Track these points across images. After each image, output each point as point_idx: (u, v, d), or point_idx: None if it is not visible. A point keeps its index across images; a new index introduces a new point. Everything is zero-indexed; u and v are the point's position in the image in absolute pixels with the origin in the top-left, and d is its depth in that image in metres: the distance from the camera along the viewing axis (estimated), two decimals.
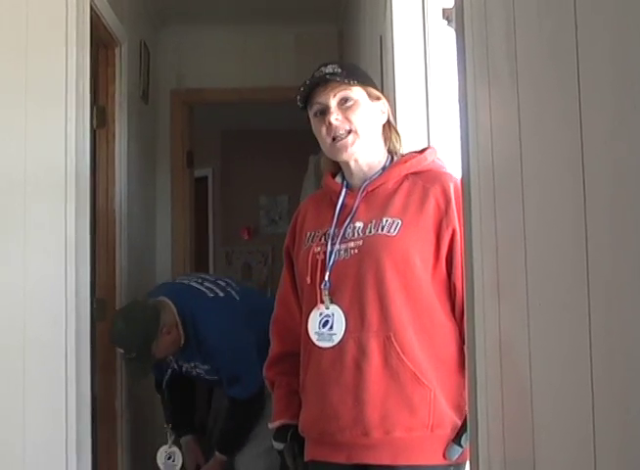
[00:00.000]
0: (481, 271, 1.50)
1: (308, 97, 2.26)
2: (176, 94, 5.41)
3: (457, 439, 2.13)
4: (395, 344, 2.11)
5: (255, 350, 3.35)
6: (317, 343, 2.19)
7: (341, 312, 2.17)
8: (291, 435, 2.36)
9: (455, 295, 2.16)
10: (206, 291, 3.57)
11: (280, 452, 2.46)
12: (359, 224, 2.21)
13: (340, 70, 2.25)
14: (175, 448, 3.76)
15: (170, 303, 3.46)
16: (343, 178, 2.33)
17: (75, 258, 2.93)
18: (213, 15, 5.23)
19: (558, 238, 1.04)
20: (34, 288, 2.86)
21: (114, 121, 4.10)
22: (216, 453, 3.71)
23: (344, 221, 2.23)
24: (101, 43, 3.98)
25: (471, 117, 1.55)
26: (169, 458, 3.76)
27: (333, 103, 2.22)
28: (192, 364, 3.58)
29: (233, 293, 3.62)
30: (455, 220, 2.12)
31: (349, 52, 4.94)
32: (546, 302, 1.10)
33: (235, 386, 3.52)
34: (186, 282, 3.69)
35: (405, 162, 2.27)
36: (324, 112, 2.23)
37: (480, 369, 1.54)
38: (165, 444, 3.77)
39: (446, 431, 2.13)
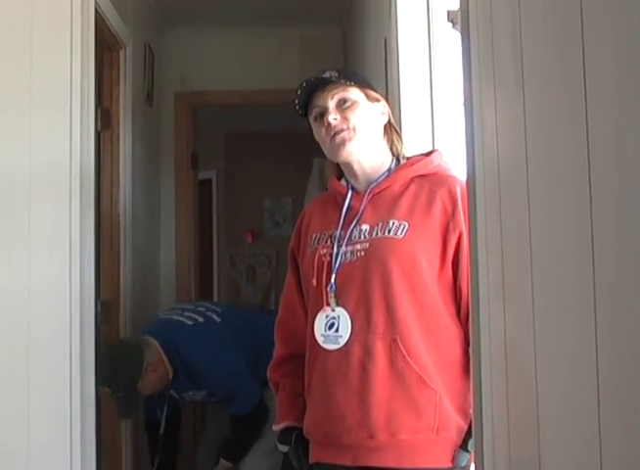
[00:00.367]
0: (487, 273, 1.49)
1: (307, 103, 2.27)
2: (180, 96, 5.42)
3: (464, 444, 2.12)
4: (401, 346, 2.11)
5: (245, 364, 3.50)
6: (323, 345, 2.19)
7: (347, 315, 2.17)
8: (295, 437, 2.36)
9: (461, 298, 2.16)
10: (186, 320, 3.64)
11: (285, 454, 2.46)
12: (365, 227, 2.21)
13: (337, 74, 2.25)
14: None
15: (153, 340, 3.53)
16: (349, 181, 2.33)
17: (80, 260, 2.93)
18: (218, 17, 5.24)
19: (563, 239, 1.04)
20: (39, 290, 2.86)
21: (118, 124, 4.11)
22: (222, 460, 3.73)
23: (351, 224, 2.23)
24: (105, 45, 3.98)
25: (476, 120, 1.55)
26: None
27: (331, 104, 2.23)
28: (190, 393, 3.67)
29: (214, 316, 3.69)
30: (462, 223, 2.11)
31: (354, 54, 4.94)
32: (552, 303, 1.10)
33: (232, 404, 3.61)
34: (167, 317, 3.76)
35: (412, 164, 2.28)
36: (323, 114, 2.24)
37: (486, 371, 1.53)
38: None
39: (451, 434, 2.13)
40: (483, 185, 1.51)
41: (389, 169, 2.29)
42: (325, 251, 2.24)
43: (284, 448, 2.41)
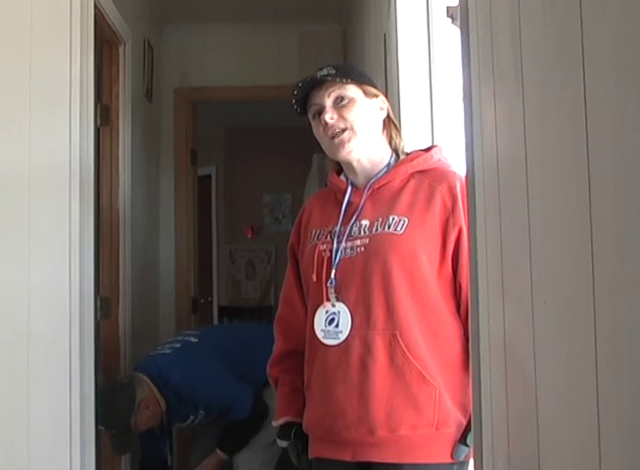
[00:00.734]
0: (486, 268, 1.50)
1: (305, 100, 2.27)
2: (180, 92, 5.41)
3: (463, 438, 2.13)
4: (401, 342, 2.11)
5: (231, 372, 3.62)
6: (323, 340, 2.19)
7: (347, 310, 2.17)
8: (294, 432, 2.36)
9: (460, 293, 2.16)
10: (166, 350, 3.76)
11: (284, 450, 2.47)
12: (365, 222, 2.21)
13: (334, 72, 2.24)
14: None
15: (143, 375, 3.62)
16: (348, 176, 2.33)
17: (79, 257, 2.93)
18: (217, 13, 5.24)
19: (562, 235, 1.04)
20: (38, 286, 2.86)
21: (117, 120, 4.11)
22: (217, 451, 3.76)
23: (350, 219, 2.23)
24: (105, 41, 3.98)
25: (475, 116, 1.55)
26: None
27: (328, 102, 2.22)
28: (191, 418, 3.72)
29: (191, 338, 3.84)
30: (462, 219, 2.11)
31: (353, 51, 4.94)
32: (551, 300, 1.10)
33: (231, 414, 3.69)
34: (153, 353, 3.84)
35: (411, 160, 2.27)
36: (321, 112, 2.24)
37: (485, 367, 1.54)
38: None
39: (451, 429, 2.13)
40: (483, 181, 1.51)
41: (389, 165, 2.29)
42: (325, 246, 2.24)
43: (283, 444, 2.41)
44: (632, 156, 0.79)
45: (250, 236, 8.55)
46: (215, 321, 8.15)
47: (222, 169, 8.44)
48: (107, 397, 3.43)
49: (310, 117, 2.29)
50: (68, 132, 2.93)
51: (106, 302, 3.91)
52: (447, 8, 2.75)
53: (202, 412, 3.66)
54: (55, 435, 2.85)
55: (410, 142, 2.48)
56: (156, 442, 3.80)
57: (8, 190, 2.86)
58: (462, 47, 1.64)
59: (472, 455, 1.99)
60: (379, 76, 3.29)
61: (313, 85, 2.24)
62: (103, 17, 3.57)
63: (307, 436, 2.32)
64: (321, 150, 2.34)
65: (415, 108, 2.92)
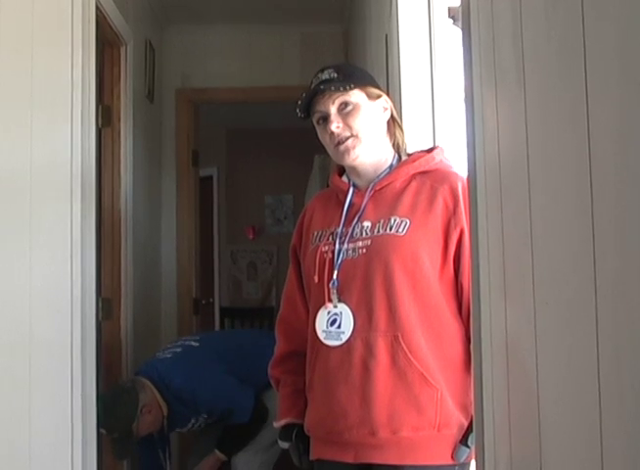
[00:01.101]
0: (488, 270, 1.49)
1: (309, 106, 2.27)
2: (181, 93, 5.42)
3: (464, 439, 2.13)
4: (403, 344, 2.11)
5: (231, 375, 3.64)
6: (325, 341, 2.19)
7: (349, 311, 2.17)
8: (296, 434, 2.36)
9: (462, 295, 2.16)
10: (167, 355, 3.78)
11: (285, 451, 2.47)
12: (367, 224, 2.21)
13: (336, 75, 2.24)
14: None
15: (145, 379, 3.63)
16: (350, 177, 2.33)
17: (81, 257, 2.93)
18: (219, 14, 5.24)
19: (564, 236, 1.04)
20: (40, 287, 2.86)
21: (119, 121, 4.11)
22: (216, 452, 3.77)
23: (352, 220, 2.23)
24: (106, 42, 3.99)
25: (477, 116, 1.55)
26: None
27: (332, 110, 2.22)
28: (193, 421, 3.74)
29: (192, 343, 3.86)
30: (463, 220, 2.11)
31: (355, 51, 4.94)
32: (553, 300, 1.10)
33: (233, 416, 3.70)
34: (154, 358, 3.86)
35: (413, 161, 2.27)
36: (325, 118, 2.24)
37: (487, 368, 1.53)
38: None
39: (453, 431, 2.13)
40: (484, 181, 1.51)
41: (391, 166, 2.29)
42: (327, 248, 2.24)
43: (285, 445, 2.42)
44: (634, 155, 0.79)
45: (251, 237, 8.56)
46: (217, 322, 8.15)
47: (224, 170, 8.44)
48: (109, 401, 3.44)
49: (314, 121, 2.29)
50: (69, 133, 2.93)
51: (107, 303, 3.91)
52: (449, 9, 2.75)
53: (203, 415, 3.66)
54: (56, 436, 2.85)
55: (412, 143, 2.48)
56: (153, 448, 3.80)
57: (9, 191, 2.87)
58: (463, 48, 1.64)
59: (473, 457, 1.99)
60: (380, 77, 3.29)
61: (315, 93, 2.24)
62: (104, 18, 3.57)
63: (309, 437, 2.32)
64: (322, 151, 2.35)
65: (417, 108, 2.92)
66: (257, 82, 5.36)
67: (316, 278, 2.23)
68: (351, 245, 2.20)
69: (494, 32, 1.41)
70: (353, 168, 2.29)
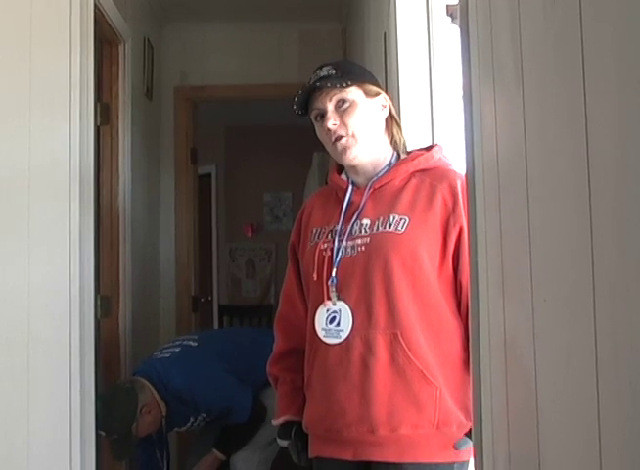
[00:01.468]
0: (486, 267, 1.50)
1: (307, 103, 2.26)
2: (180, 91, 5.42)
3: (469, 432, 2.12)
4: (402, 341, 2.11)
5: (230, 375, 3.63)
6: (324, 339, 2.19)
7: (348, 309, 2.17)
8: (294, 431, 2.36)
9: (461, 292, 2.16)
10: (165, 355, 3.77)
11: (282, 450, 2.47)
12: (366, 221, 2.21)
13: (334, 72, 2.24)
14: None
15: (144, 379, 3.62)
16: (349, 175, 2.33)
17: (80, 255, 2.93)
18: (217, 11, 5.24)
19: (562, 234, 1.04)
20: (38, 285, 2.86)
21: (117, 118, 4.11)
22: (214, 451, 3.77)
23: (351, 218, 2.23)
24: (105, 40, 3.98)
25: (475, 114, 1.55)
26: None
27: (329, 107, 2.22)
28: (191, 420, 3.73)
29: (190, 342, 3.85)
30: (462, 218, 2.11)
31: (353, 49, 4.94)
32: (551, 297, 1.10)
33: (231, 416, 3.69)
34: (152, 358, 3.85)
35: (412, 159, 2.27)
36: (323, 115, 2.24)
37: (485, 365, 1.54)
38: None
39: (452, 428, 2.13)
40: (483, 179, 1.51)
41: (390, 164, 2.29)
42: (326, 245, 2.24)
43: (283, 443, 2.41)
44: (632, 153, 0.79)
45: (250, 235, 8.56)
46: (216, 320, 8.15)
47: (222, 168, 8.44)
48: (109, 402, 3.43)
49: (312, 118, 2.29)
50: (67, 131, 2.93)
51: (106, 300, 3.91)
52: (447, 6, 2.76)
53: (202, 415, 3.66)
54: (55, 434, 2.85)
55: (410, 141, 2.48)
56: (152, 448, 3.79)
57: (8, 189, 2.86)
58: (462, 45, 1.64)
59: (472, 454, 1.99)
60: (379, 75, 3.29)
61: (313, 89, 2.24)
62: (103, 16, 3.57)
63: (307, 435, 2.33)
64: (321, 148, 2.35)
65: (415, 106, 2.92)
66: (256, 80, 5.35)
67: (315, 276, 2.23)
68: (350, 242, 2.20)
69: (492, 30, 1.41)
70: (352, 167, 2.29)
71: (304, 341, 2.30)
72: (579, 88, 0.93)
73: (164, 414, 3.60)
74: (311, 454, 2.32)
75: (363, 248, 2.18)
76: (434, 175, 2.24)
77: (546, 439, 1.15)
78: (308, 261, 2.28)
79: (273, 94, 5.39)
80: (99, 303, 3.65)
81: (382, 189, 2.25)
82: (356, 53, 4.72)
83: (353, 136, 2.21)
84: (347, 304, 2.17)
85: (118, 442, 3.52)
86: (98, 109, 3.73)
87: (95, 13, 3.24)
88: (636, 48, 0.78)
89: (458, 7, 1.72)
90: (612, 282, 0.87)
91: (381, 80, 3.12)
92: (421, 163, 2.27)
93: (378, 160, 2.28)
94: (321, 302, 2.21)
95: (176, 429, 3.82)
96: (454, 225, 2.15)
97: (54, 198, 2.91)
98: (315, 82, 2.23)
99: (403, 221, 2.16)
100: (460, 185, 2.16)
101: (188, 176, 5.46)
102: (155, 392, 3.58)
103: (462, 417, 2.13)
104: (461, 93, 1.66)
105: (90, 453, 3.00)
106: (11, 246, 2.87)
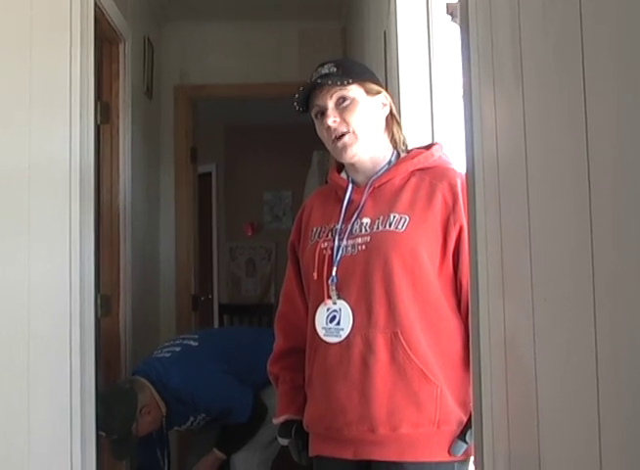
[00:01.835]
0: (486, 266, 1.50)
1: (307, 100, 2.26)
2: (180, 90, 5.41)
3: (462, 435, 2.13)
4: (403, 340, 2.11)
5: (230, 375, 3.63)
6: (324, 338, 2.19)
7: (348, 308, 2.17)
8: (295, 430, 2.36)
9: (461, 291, 2.16)
10: (165, 354, 3.76)
11: (282, 449, 2.47)
12: (366, 220, 2.21)
13: (335, 70, 2.24)
14: None
15: (143, 379, 3.62)
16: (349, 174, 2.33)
17: (80, 254, 2.93)
18: (217, 10, 5.24)
19: (562, 233, 1.04)
20: (39, 284, 2.86)
21: (118, 117, 4.11)
22: (215, 450, 3.77)
23: (352, 217, 2.23)
24: (105, 39, 3.98)
25: (475, 113, 1.55)
26: None
27: (330, 104, 2.22)
28: (191, 419, 3.72)
29: (190, 342, 3.83)
30: (462, 217, 2.11)
31: (353, 48, 4.94)
32: (551, 297, 1.10)
33: (231, 416, 3.69)
34: (151, 357, 3.84)
35: (412, 158, 2.27)
36: (323, 112, 2.24)
37: (485, 364, 1.54)
38: None
39: (452, 427, 2.14)
40: (483, 178, 1.51)
41: (390, 162, 2.29)
42: (326, 244, 2.24)
43: (284, 442, 2.42)
44: (631, 151, 0.79)
45: (250, 233, 8.55)
46: (216, 319, 8.15)
47: (222, 167, 8.44)
48: (108, 402, 3.42)
49: (313, 115, 2.29)
50: (68, 130, 2.93)
51: (106, 299, 3.91)
52: (447, 5, 2.76)
53: (202, 414, 3.66)
54: (55, 433, 2.85)
55: (410, 139, 2.48)
56: (152, 447, 3.79)
57: (8, 187, 2.86)
58: (462, 44, 1.64)
59: (472, 453, 1.99)
60: (379, 74, 3.28)
61: (314, 87, 2.24)
62: (103, 14, 3.57)
63: (308, 434, 2.33)
64: (321, 147, 2.35)
65: (415, 105, 2.92)
66: (256, 79, 5.35)
67: (315, 275, 2.23)
68: (350, 241, 2.20)
69: (492, 29, 1.41)
70: (352, 165, 2.29)
71: (305, 340, 2.30)
72: (579, 86, 0.93)
73: (164, 414, 3.60)
74: (311, 453, 2.32)
75: (363, 247, 2.18)
76: (433, 174, 2.24)
77: (546, 437, 1.15)
78: (308, 260, 2.28)
79: (273, 93, 5.39)
80: (99, 301, 3.65)
81: (382, 188, 2.25)
82: (356, 52, 4.72)
83: (353, 133, 2.21)
84: (348, 302, 2.17)
85: (119, 442, 3.52)
86: (98, 107, 3.73)
87: (95, 11, 3.23)
88: (635, 47, 0.78)
89: (458, 5, 1.72)
90: (611, 281, 0.87)
91: (381, 79, 3.12)
92: (421, 161, 2.27)
93: (378, 158, 2.28)
94: (321, 300, 2.21)
95: (176, 428, 3.82)
96: (454, 224, 2.15)
97: (54, 196, 2.90)
98: (316, 79, 2.23)
99: (403, 220, 2.16)
100: (460, 184, 2.16)
101: (188, 175, 5.46)
102: (154, 392, 3.57)
103: (462, 415, 2.13)
104: (461, 92, 1.66)
105: (90, 452, 3.00)
106: (11, 244, 2.86)
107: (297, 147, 6.68)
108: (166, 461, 3.81)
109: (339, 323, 2.17)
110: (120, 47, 4.16)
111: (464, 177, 1.91)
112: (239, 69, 5.37)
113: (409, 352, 2.11)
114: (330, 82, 2.20)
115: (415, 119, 2.88)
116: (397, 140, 2.33)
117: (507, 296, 1.37)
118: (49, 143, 2.91)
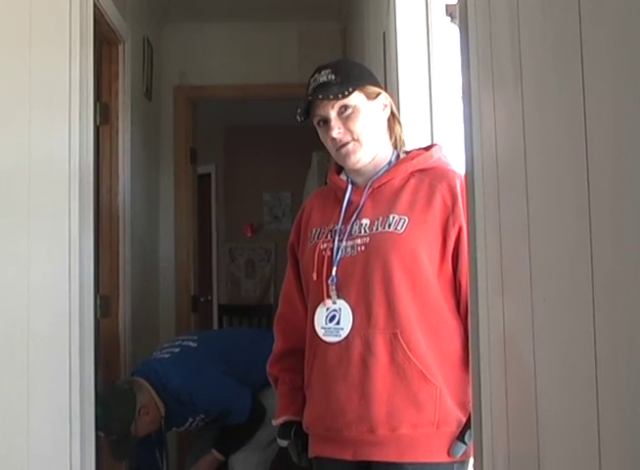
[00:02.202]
0: (485, 266, 1.50)
1: (308, 107, 2.26)
2: (179, 90, 5.42)
3: (461, 436, 2.13)
4: (402, 341, 2.11)
5: (229, 377, 3.63)
6: (324, 338, 2.19)
7: (348, 307, 2.17)
8: (294, 431, 2.36)
9: (460, 292, 2.16)
10: (164, 355, 3.76)
11: (281, 450, 2.47)
12: (366, 221, 2.21)
13: (333, 78, 2.22)
14: None
15: (142, 380, 3.62)
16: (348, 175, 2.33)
17: (79, 255, 2.93)
18: (217, 11, 5.24)
19: (562, 233, 1.05)
20: (38, 284, 2.86)
21: (117, 118, 4.11)
22: (213, 451, 3.77)
23: (351, 218, 2.23)
24: (104, 40, 3.98)
25: (475, 114, 1.56)
26: None
27: (332, 114, 2.22)
28: (190, 420, 3.72)
29: (190, 343, 3.84)
30: (462, 218, 2.11)
31: (353, 49, 4.94)
32: (550, 297, 1.11)
33: (230, 417, 3.69)
34: (151, 358, 3.85)
35: (412, 159, 2.27)
36: (326, 121, 2.23)
37: (484, 364, 1.54)
38: None
39: (451, 428, 2.13)
40: (482, 179, 1.51)
41: (390, 163, 2.29)
42: (325, 245, 2.24)
43: (283, 443, 2.41)
44: (630, 152, 0.80)
45: (249, 234, 8.55)
46: (215, 319, 8.15)
47: (222, 168, 8.44)
48: (107, 403, 3.42)
49: (315, 123, 2.28)
50: (67, 131, 2.93)
51: (105, 300, 3.91)
52: (446, 6, 2.76)
53: (201, 415, 3.66)
54: (54, 433, 2.85)
55: (410, 140, 2.48)
56: (151, 447, 3.80)
57: (8, 188, 2.86)
58: (461, 45, 1.64)
59: (471, 453, 1.99)
60: (378, 74, 3.28)
61: (315, 99, 2.23)
62: (102, 15, 3.57)
63: (307, 435, 2.33)
64: (321, 148, 2.35)
65: (414, 106, 2.92)
66: (255, 80, 5.35)
67: (315, 276, 2.22)
68: (350, 242, 2.20)
69: (492, 30, 1.41)
70: (355, 169, 2.29)
71: (304, 341, 2.30)
72: (578, 87, 0.93)
73: (163, 415, 3.60)
74: (311, 454, 2.32)
75: (363, 248, 2.18)
76: (433, 175, 2.24)
77: (545, 437, 1.15)
78: (308, 261, 2.28)
79: (273, 94, 5.39)
80: (98, 302, 3.66)
81: (381, 189, 2.25)
82: (356, 53, 4.72)
83: (358, 141, 2.21)
84: (347, 302, 2.17)
85: (117, 442, 3.52)
86: (97, 108, 3.73)
87: (94, 12, 3.23)
88: (634, 48, 0.78)
89: (457, 7, 1.72)
90: (610, 281, 0.87)
91: (380, 80, 3.13)
92: (420, 162, 2.27)
93: (380, 159, 2.28)
94: (321, 300, 2.20)
95: (175, 429, 3.82)
96: (453, 225, 2.15)
97: (54, 197, 2.91)
98: (315, 92, 2.22)
99: (403, 221, 2.16)
100: (459, 185, 2.16)
101: (187, 176, 5.46)
102: (153, 392, 3.57)
103: (461, 416, 2.13)
104: (460, 93, 1.66)
105: (90, 452, 3.00)
106: (11, 244, 2.87)
107: (297, 148, 6.68)
108: (165, 462, 3.81)
109: (338, 323, 2.17)
110: (120, 48, 4.16)
111: (463, 178, 1.91)
112: (238, 69, 5.37)
113: (408, 352, 2.11)
114: (331, 96, 2.20)
115: (414, 120, 2.88)
116: (399, 139, 2.33)
117: (506, 296, 1.38)
118: (48, 143, 2.91)
